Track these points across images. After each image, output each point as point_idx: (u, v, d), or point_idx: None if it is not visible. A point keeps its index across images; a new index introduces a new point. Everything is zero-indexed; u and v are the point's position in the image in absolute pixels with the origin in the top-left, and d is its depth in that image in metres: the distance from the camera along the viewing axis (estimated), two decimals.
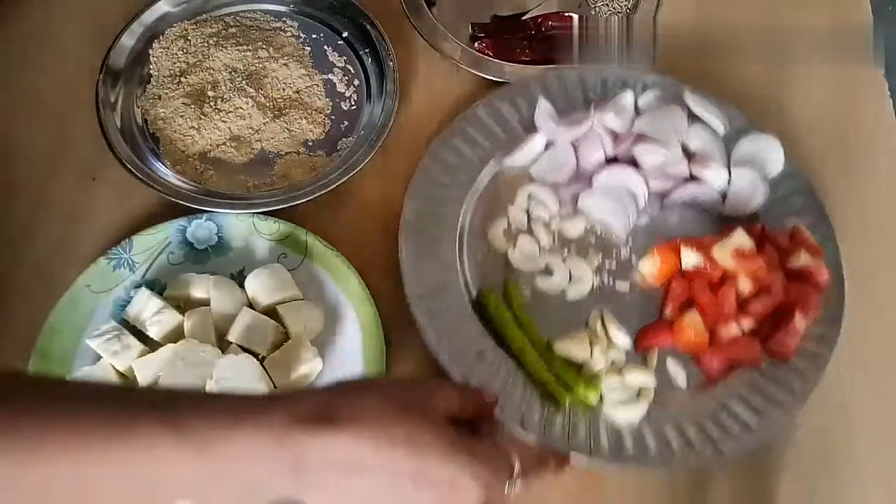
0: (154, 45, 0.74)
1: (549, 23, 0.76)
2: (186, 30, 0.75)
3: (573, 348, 0.61)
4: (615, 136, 0.69)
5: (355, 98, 0.74)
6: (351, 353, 0.60)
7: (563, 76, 0.73)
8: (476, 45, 0.76)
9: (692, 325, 0.62)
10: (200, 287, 0.61)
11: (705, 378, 0.62)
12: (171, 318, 0.59)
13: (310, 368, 0.58)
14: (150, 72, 0.73)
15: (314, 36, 0.76)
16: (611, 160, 0.70)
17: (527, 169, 0.70)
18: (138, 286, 0.61)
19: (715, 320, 0.62)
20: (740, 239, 0.63)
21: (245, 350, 0.58)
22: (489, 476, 0.41)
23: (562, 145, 0.70)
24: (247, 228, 0.64)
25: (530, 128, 0.70)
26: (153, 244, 0.63)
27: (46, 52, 0.74)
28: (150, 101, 0.71)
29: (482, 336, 0.61)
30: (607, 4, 0.79)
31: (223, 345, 0.59)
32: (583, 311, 0.64)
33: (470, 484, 0.40)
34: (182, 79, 0.72)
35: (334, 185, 0.66)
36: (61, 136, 0.70)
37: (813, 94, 0.77)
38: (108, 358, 0.57)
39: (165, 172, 0.67)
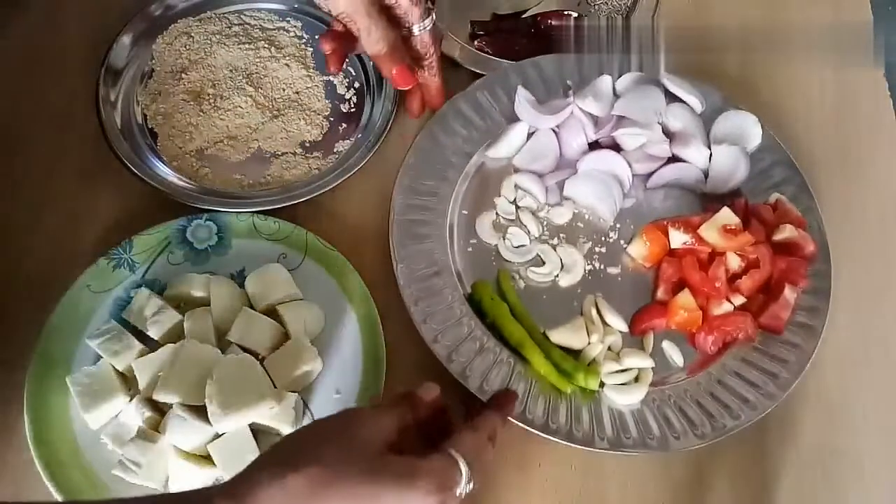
0: (157, 40, 0.73)
1: (549, 21, 0.75)
2: (190, 26, 0.74)
3: (570, 336, 0.61)
4: (596, 121, 0.69)
5: (355, 101, 0.73)
6: (351, 352, 0.60)
7: (539, 65, 0.72)
8: (475, 43, 0.75)
9: (685, 306, 0.62)
10: (200, 287, 0.61)
11: (701, 357, 0.63)
12: (171, 317, 0.59)
13: (310, 368, 0.58)
14: (153, 67, 0.72)
15: (317, 36, 0.74)
16: (593, 145, 0.70)
17: (510, 159, 0.70)
18: (138, 286, 0.61)
19: (707, 298, 0.63)
20: (727, 216, 0.63)
21: (245, 350, 0.58)
22: (440, 492, 0.42)
23: (544, 133, 0.70)
24: (247, 228, 0.64)
25: (512, 117, 0.70)
26: (153, 244, 0.63)
27: (47, 52, 0.73)
28: (151, 96, 0.71)
29: (480, 331, 0.61)
30: (606, 3, 0.78)
31: (223, 345, 0.58)
32: (576, 299, 0.65)
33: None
34: (183, 75, 0.71)
35: (332, 186, 0.65)
36: (62, 136, 0.69)
37: (813, 93, 0.77)
38: (107, 358, 0.57)
39: (165, 171, 0.67)
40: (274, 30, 0.75)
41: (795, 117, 0.75)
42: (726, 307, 0.62)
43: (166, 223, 0.63)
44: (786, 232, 0.64)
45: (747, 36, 0.80)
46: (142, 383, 0.56)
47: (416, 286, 0.62)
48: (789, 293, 0.61)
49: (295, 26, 0.76)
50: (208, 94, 0.71)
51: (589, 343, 0.61)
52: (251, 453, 0.54)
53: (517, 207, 0.68)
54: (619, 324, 0.63)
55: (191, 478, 0.54)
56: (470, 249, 0.66)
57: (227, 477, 0.53)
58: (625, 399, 0.59)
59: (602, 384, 0.60)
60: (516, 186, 0.69)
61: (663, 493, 0.59)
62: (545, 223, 0.68)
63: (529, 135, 0.70)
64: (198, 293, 0.60)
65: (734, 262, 0.63)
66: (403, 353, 0.61)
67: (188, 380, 0.55)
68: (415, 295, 0.61)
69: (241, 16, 0.76)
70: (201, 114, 0.69)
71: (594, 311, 0.63)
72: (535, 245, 0.67)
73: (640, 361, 0.61)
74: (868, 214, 0.72)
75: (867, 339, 0.66)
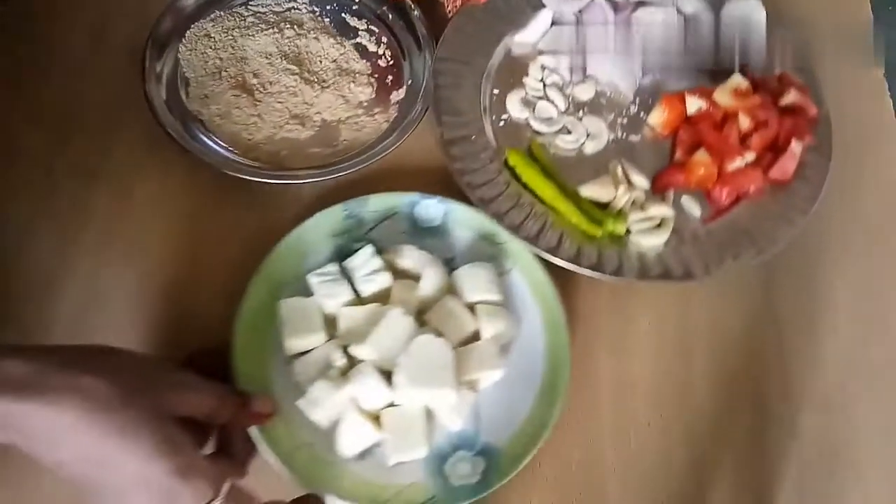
0: (180, 48, 0.74)
1: None
2: (205, 28, 0.75)
3: (598, 190, 0.67)
4: (615, 5, 0.75)
5: (389, 53, 0.76)
6: (529, 374, 0.61)
7: None
8: None
9: (702, 163, 0.68)
10: (415, 262, 0.62)
11: (716, 209, 0.69)
12: (384, 280, 0.61)
13: (490, 374, 0.59)
14: (186, 74, 0.73)
15: (328, 7, 0.78)
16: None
17: (536, 45, 0.76)
18: (361, 241, 0.64)
19: (721, 157, 0.69)
20: (737, 80, 0.69)
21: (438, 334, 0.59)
22: (189, 492, 0.43)
23: (567, 18, 0.76)
24: (469, 221, 0.65)
25: (537, 5, 0.76)
26: (384, 207, 0.65)
27: (51, 50, 0.74)
28: (199, 101, 0.71)
29: (515, 188, 0.67)
30: None
31: (420, 322, 0.60)
32: (601, 163, 0.71)
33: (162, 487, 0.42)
34: (222, 73, 0.72)
35: (407, 136, 0.69)
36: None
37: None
38: (319, 297, 0.60)
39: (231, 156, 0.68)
40: (285, 11, 0.77)
41: None
42: (739, 163, 0.69)
43: (401, 193, 0.66)
44: (790, 96, 0.70)
45: None
46: (341, 330, 0.59)
47: (457, 147, 0.68)
48: (795, 146, 0.68)
49: (304, 3, 0.77)
50: (254, 84, 0.72)
51: (616, 196, 0.68)
52: (419, 433, 0.56)
53: (544, 85, 0.74)
54: (642, 182, 0.69)
55: (357, 431, 0.57)
56: (501, 124, 0.72)
57: (389, 444, 0.56)
58: (650, 241, 0.66)
59: (628, 231, 0.66)
60: (543, 67, 0.75)
61: (663, 493, 0.59)
62: (570, 99, 0.74)
63: (553, 22, 0.76)
64: (409, 266, 0.62)
65: (745, 123, 0.69)
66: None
67: (385, 344, 0.57)
68: (455, 154, 0.67)
69: (249, 6, 0.77)
70: (258, 103, 0.71)
71: (620, 170, 0.69)
72: (563, 118, 0.73)
73: (662, 210, 0.67)
74: (868, 214, 0.72)
75: (867, 339, 0.66)
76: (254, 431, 0.55)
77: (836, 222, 0.70)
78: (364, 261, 0.62)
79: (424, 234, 0.66)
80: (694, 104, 0.71)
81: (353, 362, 0.59)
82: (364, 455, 0.57)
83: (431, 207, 0.67)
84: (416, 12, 0.76)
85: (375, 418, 0.57)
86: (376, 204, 0.66)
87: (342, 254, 0.64)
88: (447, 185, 0.66)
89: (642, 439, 0.61)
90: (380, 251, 0.63)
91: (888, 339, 0.66)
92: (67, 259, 0.65)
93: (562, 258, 0.63)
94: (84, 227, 0.66)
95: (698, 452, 0.61)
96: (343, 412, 0.57)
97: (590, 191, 0.68)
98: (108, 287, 0.64)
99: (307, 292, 0.61)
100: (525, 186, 0.68)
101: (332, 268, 0.62)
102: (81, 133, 0.70)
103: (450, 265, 0.65)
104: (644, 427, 0.61)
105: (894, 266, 0.70)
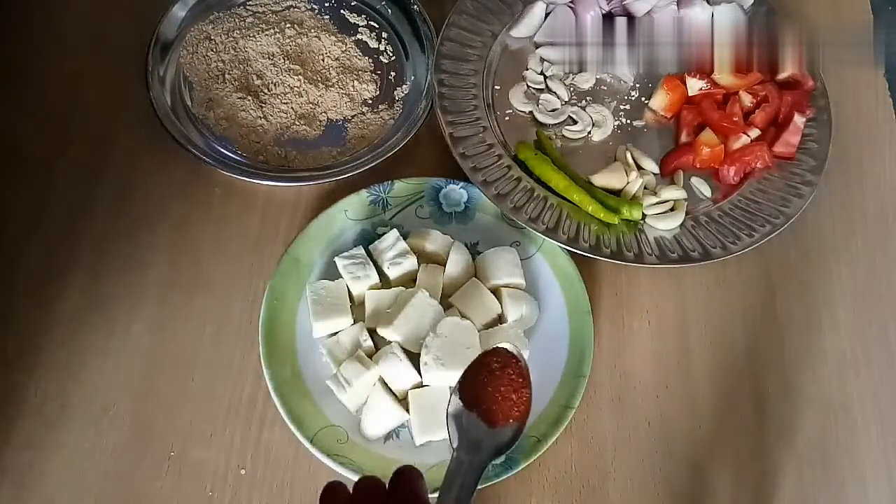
0: (181, 52, 0.74)
1: None
2: (204, 31, 0.75)
3: (610, 178, 0.68)
4: None
5: (390, 49, 0.76)
6: (554, 359, 0.61)
7: None
8: None
9: (708, 142, 0.69)
10: (440, 245, 0.63)
11: (726, 189, 0.70)
12: (410, 264, 0.62)
13: None
14: (189, 79, 0.73)
15: (326, 4, 0.78)
16: (607, 16, 0.76)
17: (532, 38, 0.76)
18: (385, 226, 0.65)
19: (726, 135, 0.70)
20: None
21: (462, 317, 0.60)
22: None
23: (560, 10, 0.76)
24: (493, 205, 0.65)
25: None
26: (409, 192, 0.66)
27: (51, 51, 0.74)
28: (204, 105, 0.71)
29: (528, 182, 0.67)
30: None
31: (444, 305, 0.61)
32: (609, 151, 0.71)
33: None
34: (225, 76, 0.72)
35: (416, 130, 0.69)
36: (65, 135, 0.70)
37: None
38: (347, 279, 0.61)
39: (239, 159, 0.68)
40: (284, 10, 0.77)
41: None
42: (744, 140, 0.70)
43: (425, 178, 0.66)
44: (787, 70, 0.71)
45: None
46: (367, 312, 0.60)
47: (465, 145, 0.68)
48: (798, 119, 0.69)
49: (303, 0, 0.77)
50: (258, 86, 0.72)
51: (628, 182, 0.68)
52: (444, 414, 0.55)
53: (545, 77, 0.74)
54: (651, 166, 0.70)
55: (384, 413, 0.57)
56: (507, 119, 0.72)
57: (416, 424, 0.56)
58: (666, 224, 0.66)
59: (643, 216, 0.67)
60: (542, 59, 0.75)
61: (663, 493, 0.59)
62: (572, 89, 0.74)
63: (547, 14, 0.77)
64: (434, 249, 0.63)
65: (747, 100, 0.70)
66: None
67: (411, 326, 0.58)
68: (464, 152, 0.67)
69: (247, 7, 0.77)
70: (264, 105, 0.71)
71: (629, 156, 0.70)
72: (567, 108, 0.73)
73: (674, 193, 0.68)
74: (868, 214, 0.72)
75: (867, 339, 0.66)
76: (281, 413, 0.56)
77: (837, 222, 0.71)
78: (390, 244, 0.63)
79: (447, 219, 0.67)
80: (695, 85, 0.71)
81: (379, 344, 0.60)
82: (390, 435, 0.58)
83: (455, 192, 0.67)
84: (415, 7, 0.76)
85: (402, 400, 0.58)
86: (401, 189, 0.66)
87: (365, 238, 0.65)
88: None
89: (642, 439, 0.61)
90: (405, 236, 0.64)
91: (888, 338, 0.66)
92: (68, 259, 0.65)
93: (581, 248, 0.63)
94: (84, 227, 0.66)
95: (698, 452, 0.61)
96: (371, 393, 0.58)
97: (602, 179, 0.68)
98: (108, 287, 0.64)
99: (333, 275, 0.62)
100: (537, 180, 0.68)
101: (358, 251, 0.62)
102: (81, 133, 0.70)
103: (473, 249, 0.65)
104: (644, 427, 0.62)
105: (894, 266, 0.70)
